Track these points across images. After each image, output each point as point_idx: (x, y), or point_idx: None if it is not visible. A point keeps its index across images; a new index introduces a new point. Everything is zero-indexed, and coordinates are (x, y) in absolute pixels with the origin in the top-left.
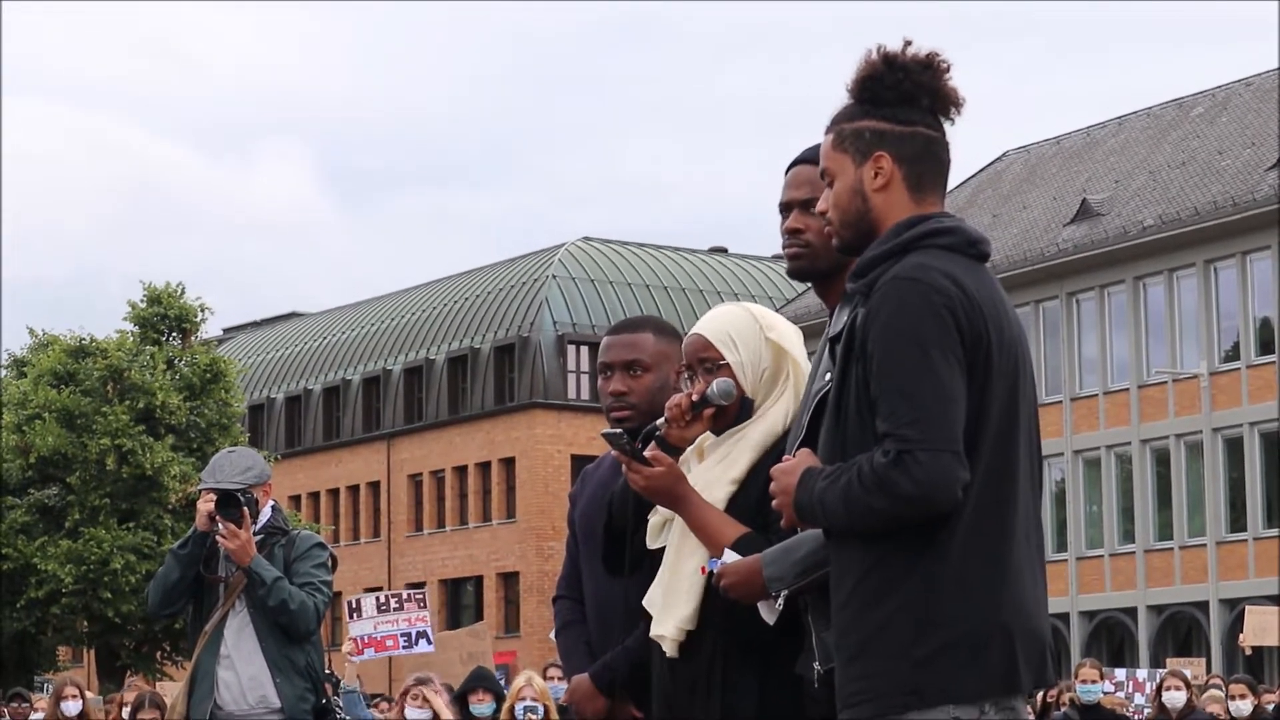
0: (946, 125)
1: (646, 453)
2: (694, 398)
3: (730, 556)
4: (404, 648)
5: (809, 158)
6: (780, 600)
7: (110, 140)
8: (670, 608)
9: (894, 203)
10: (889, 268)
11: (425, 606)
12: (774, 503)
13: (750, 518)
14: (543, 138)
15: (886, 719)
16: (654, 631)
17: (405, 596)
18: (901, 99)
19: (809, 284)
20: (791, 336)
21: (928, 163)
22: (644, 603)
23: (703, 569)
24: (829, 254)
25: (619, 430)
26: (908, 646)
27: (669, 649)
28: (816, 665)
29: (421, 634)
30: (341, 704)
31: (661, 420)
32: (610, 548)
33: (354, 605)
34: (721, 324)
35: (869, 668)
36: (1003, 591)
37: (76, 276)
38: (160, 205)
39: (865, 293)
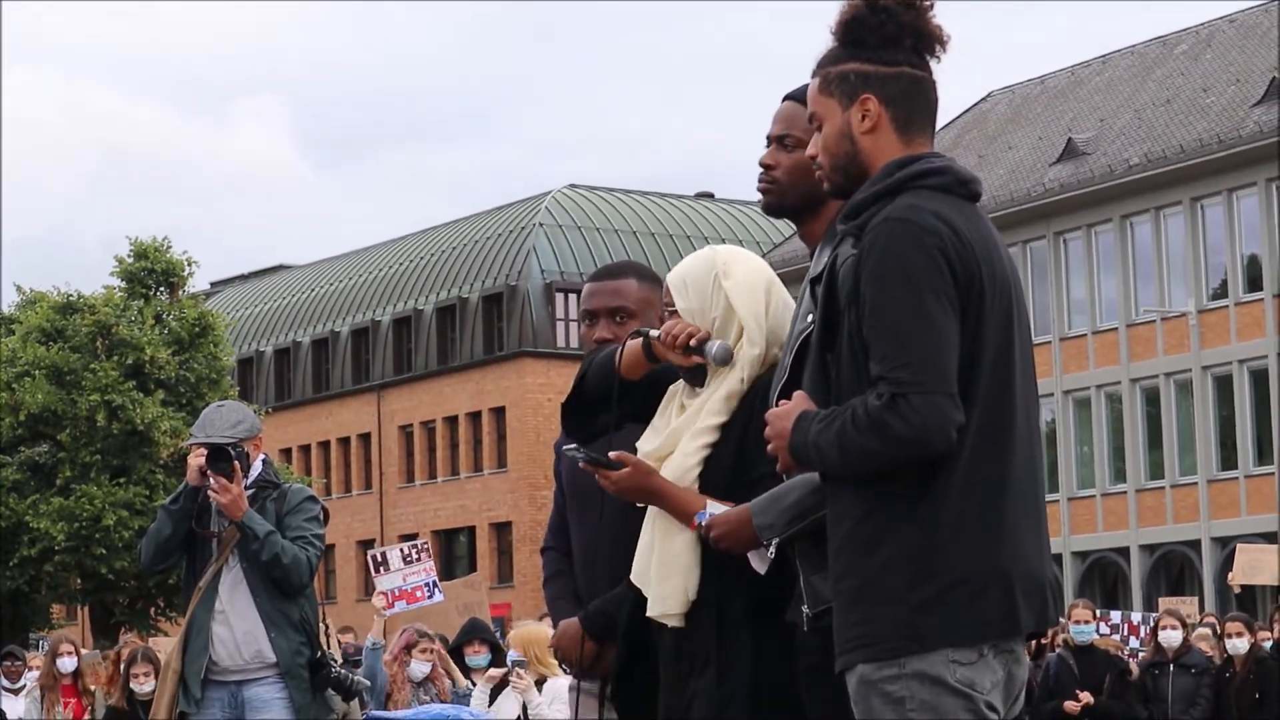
0: (933, 64)
1: (613, 454)
2: (693, 342)
3: (716, 508)
4: (428, 598)
5: (797, 95)
6: (772, 548)
7: (88, 99)
8: (673, 587)
9: (882, 144)
10: (880, 209)
11: (430, 556)
12: (769, 447)
13: (724, 483)
14: (523, 88)
15: (884, 663)
16: (654, 612)
17: (421, 546)
18: (885, 40)
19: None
20: (747, 287)
21: (915, 103)
22: (633, 578)
23: (693, 523)
24: (796, 191)
25: (574, 445)
26: (905, 591)
27: (675, 623)
28: (805, 609)
29: (434, 584)
30: (366, 659)
31: (654, 332)
32: (581, 415)
33: (380, 559)
34: (681, 269)
35: (867, 613)
36: (1000, 535)
37: (55, 235)
38: (137, 164)
39: (856, 235)
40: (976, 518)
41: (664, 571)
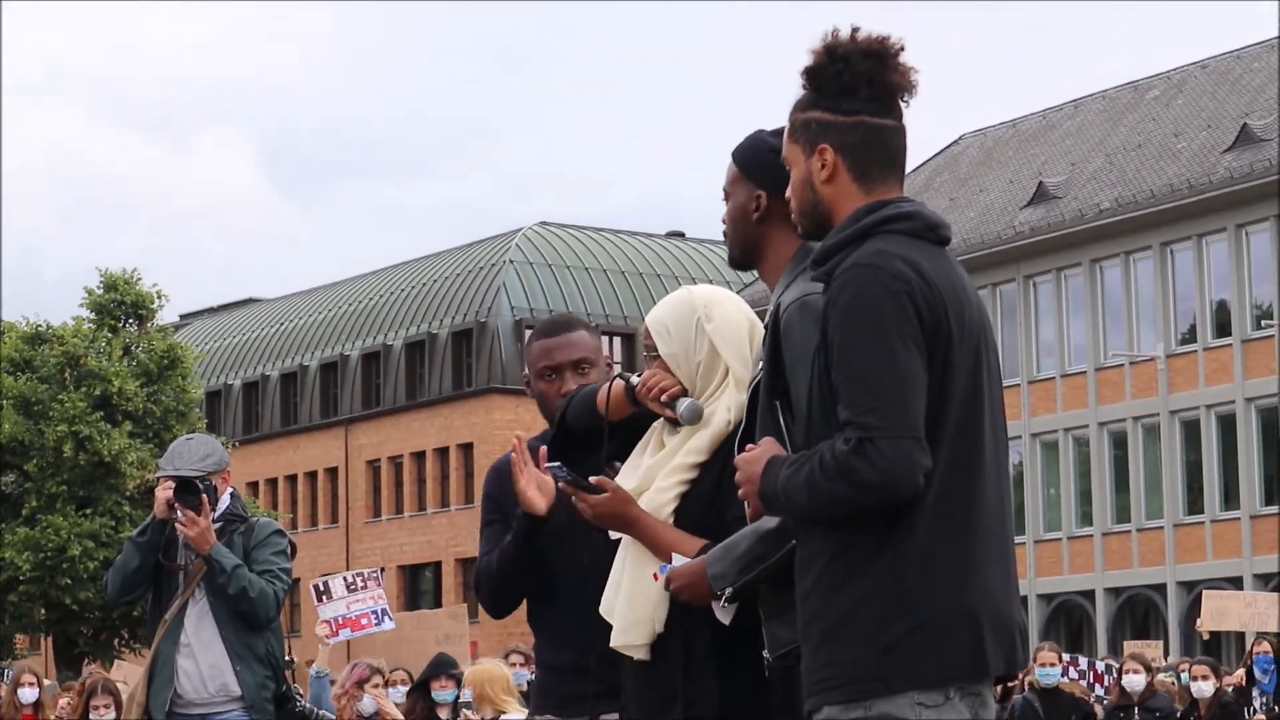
0: (904, 108)
1: (593, 479)
2: (664, 398)
3: (678, 560)
4: (375, 625)
5: (734, 151)
6: (727, 600)
7: (48, 127)
8: (639, 616)
9: (841, 193)
10: (848, 255)
11: (380, 584)
12: (740, 492)
13: (698, 523)
14: (494, 125)
15: (851, 705)
16: (620, 643)
17: (367, 574)
18: (842, 89)
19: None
20: (730, 329)
21: (873, 152)
22: (601, 611)
23: (655, 575)
24: (737, 241)
25: (558, 463)
26: (873, 633)
27: (641, 655)
28: (766, 655)
29: (384, 611)
30: (311, 688)
31: (636, 379)
32: (568, 440)
33: (322, 588)
34: (661, 312)
35: (834, 655)
36: (968, 577)
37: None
38: (99, 195)
39: (826, 280)
40: (944, 559)
41: (633, 603)
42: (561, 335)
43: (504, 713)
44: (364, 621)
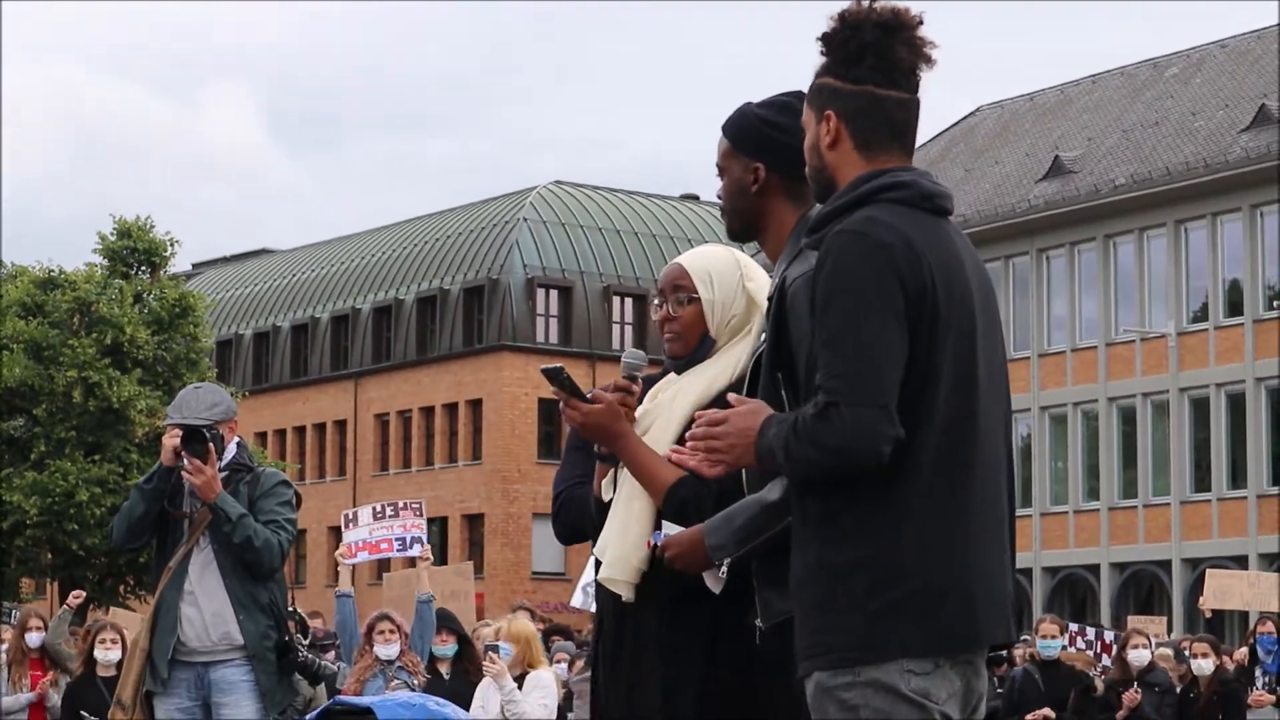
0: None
1: (594, 391)
2: (620, 385)
3: (670, 529)
4: (398, 551)
5: (722, 125)
6: (724, 570)
7: (54, 77)
8: (622, 550)
9: (844, 160)
10: (840, 222)
11: (421, 515)
12: (724, 441)
13: None
14: (510, 83)
15: (840, 671)
16: (604, 575)
17: (401, 505)
18: (848, 57)
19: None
20: (763, 294)
21: (873, 122)
22: (595, 551)
23: (648, 543)
24: (736, 214)
25: (558, 365)
26: (862, 600)
27: (625, 594)
28: (759, 623)
29: (416, 539)
30: (337, 611)
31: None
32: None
33: (350, 516)
34: (704, 261)
35: (824, 622)
36: (960, 547)
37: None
38: (109, 147)
39: (816, 247)
40: (936, 528)
41: (621, 535)
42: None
43: (529, 671)
44: (383, 546)
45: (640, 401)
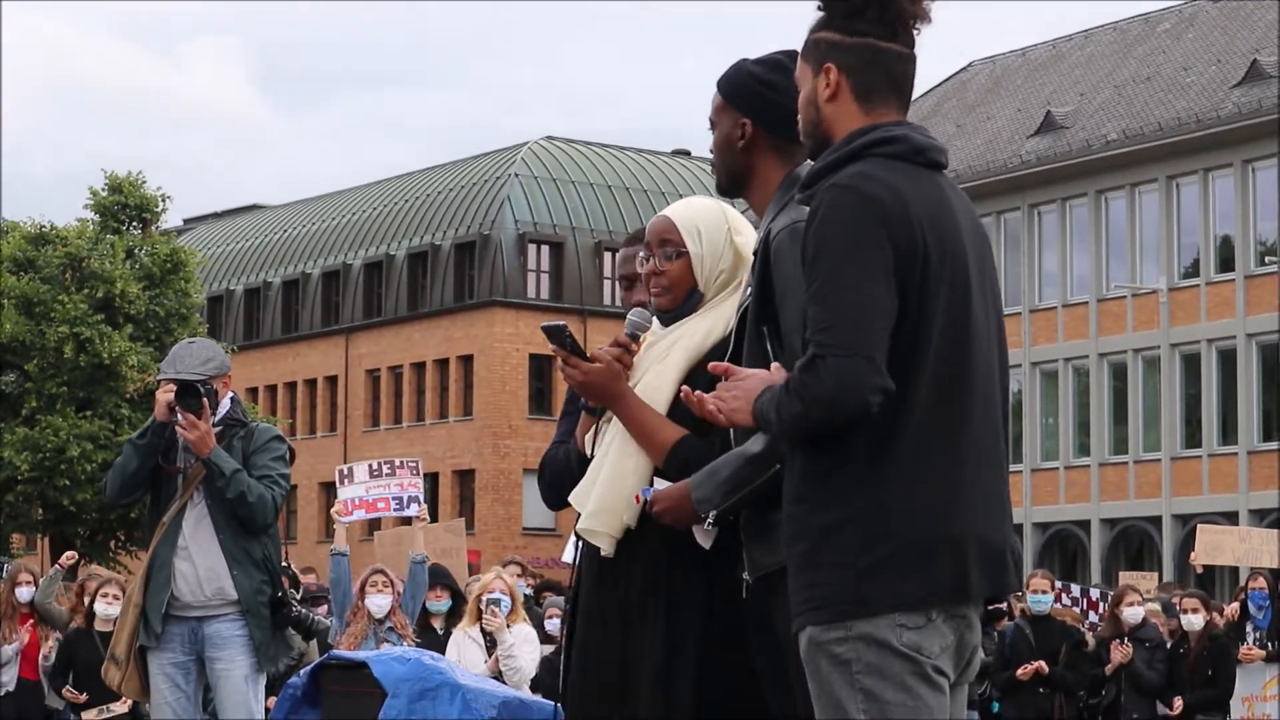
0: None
1: (595, 351)
2: (620, 341)
3: (660, 484)
4: (395, 510)
5: (718, 81)
6: (711, 523)
7: (39, 32)
8: (608, 504)
9: (842, 113)
10: (832, 177)
11: (419, 474)
12: (724, 404)
13: (692, 417)
14: (501, 39)
15: (831, 625)
16: (584, 526)
17: (398, 463)
18: (850, 10)
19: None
20: (750, 247)
21: (874, 74)
22: (571, 499)
23: (636, 498)
24: (724, 169)
25: (561, 323)
26: (853, 555)
27: (605, 546)
28: (746, 576)
29: (414, 498)
30: (331, 568)
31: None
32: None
33: (346, 472)
34: (691, 214)
35: (815, 576)
36: (952, 501)
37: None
38: (97, 105)
39: (810, 202)
40: (927, 483)
41: (608, 488)
42: (636, 245)
43: (513, 623)
44: (380, 505)
45: None
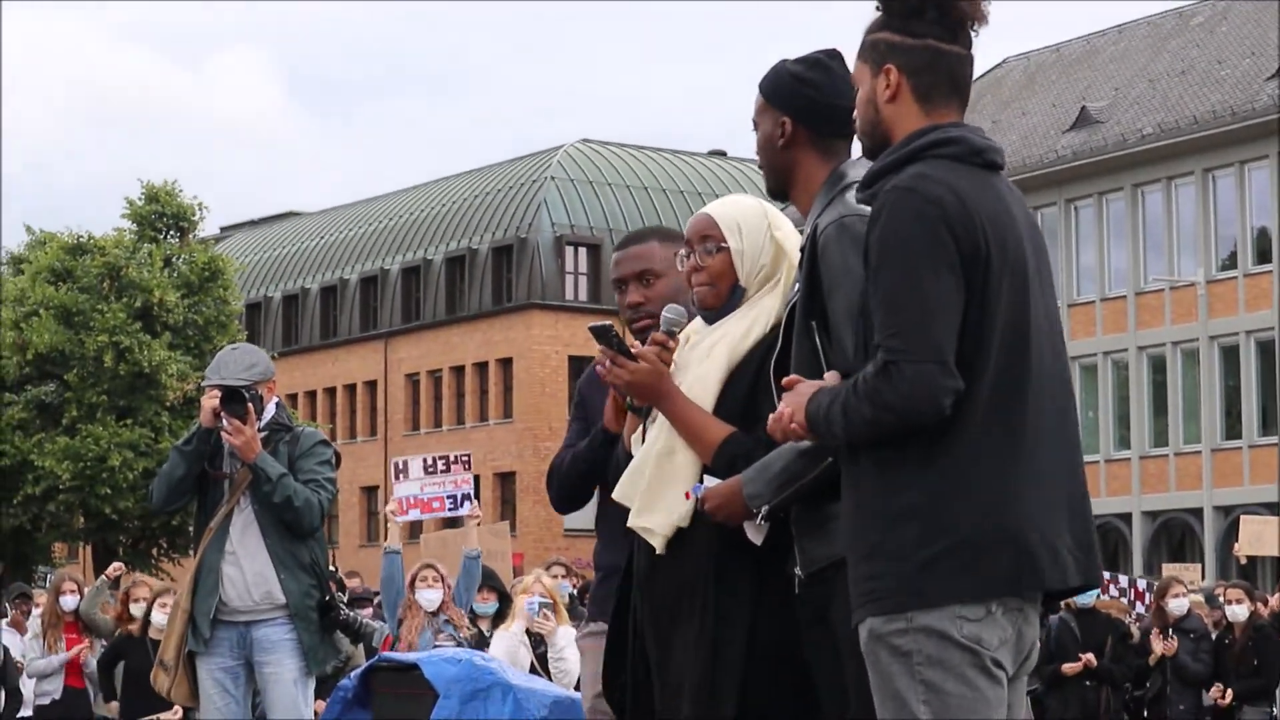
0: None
1: (638, 349)
2: (658, 339)
3: (711, 481)
4: (450, 509)
5: (759, 82)
6: (763, 519)
7: (66, 41)
8: (660, 501)
9: (902, 114)
10: (893, 178)
11: (469, 468)
12: (786, 412)
13: (737, 414)
14: (535, 42)
15: (892, 616)
16: (638, 523)
17: (452, 459)
18: (910, 11)
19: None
20: (791, 243)
21: (936, 76)
22: (615, 495)
23: (687, 494)
24: (769, 169)
25: (608, 323)
26: (913, 548)
27: (658, 544)
28: (798, 571)
29: (466, 496)
30: (383, 566)
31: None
32: None
33: (400, 466)
34: (731, 210)
35: (876, 568)
36: (1013, 496)
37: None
38: (128, 116)
39: (870, 202)
40: (985, 480)
41: (658, 486)
42: (629, 248)
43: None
44: (435, 505)
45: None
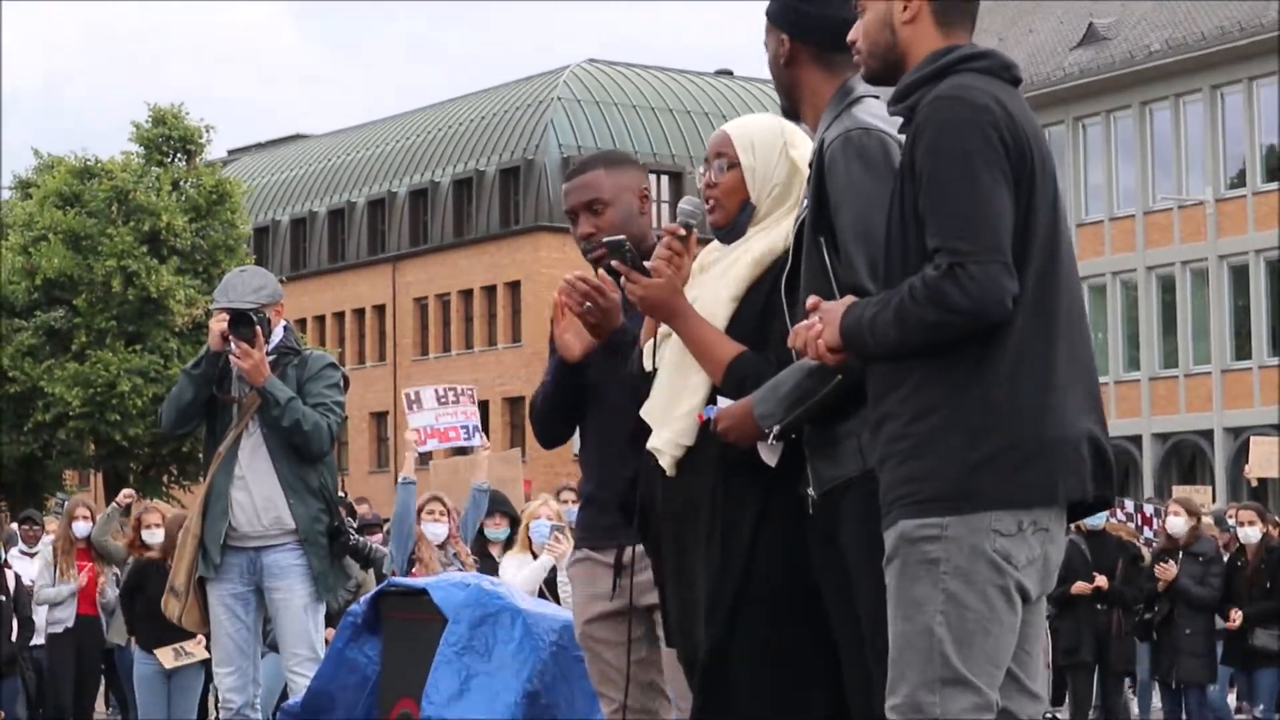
0: None
1: (652, 263)
2: (669, 231)
3: (724, 403)
4: (464, 439)
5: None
6: (775, 439)
7: None
8: (669, 422)
9: (920, 36)
10: (929, 91)
11: (474, 401)
12: (813, 331)
13: (750, 335)
14: None
15: (928, 521)
16: (651, 443)
17: (460, 390)
18: None
19: None
20: (807, 162)
21: (955, 1)
22: (642, 413)
23: (700, 416)
24: (779, 88)
25: (621, 237)
26: (961, 450)
27: (666, 464)
28: (810, 491)
29: (476, 428)
30: (398, 496)
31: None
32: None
33: (413, 397)
34: (748, 128)
35: (917, 471)
36: (1056, 401)
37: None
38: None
39: (908, 116)
40: (1027, 387)
41: (667, 406)
42: (575, 179)
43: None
44: (451, 434)
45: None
